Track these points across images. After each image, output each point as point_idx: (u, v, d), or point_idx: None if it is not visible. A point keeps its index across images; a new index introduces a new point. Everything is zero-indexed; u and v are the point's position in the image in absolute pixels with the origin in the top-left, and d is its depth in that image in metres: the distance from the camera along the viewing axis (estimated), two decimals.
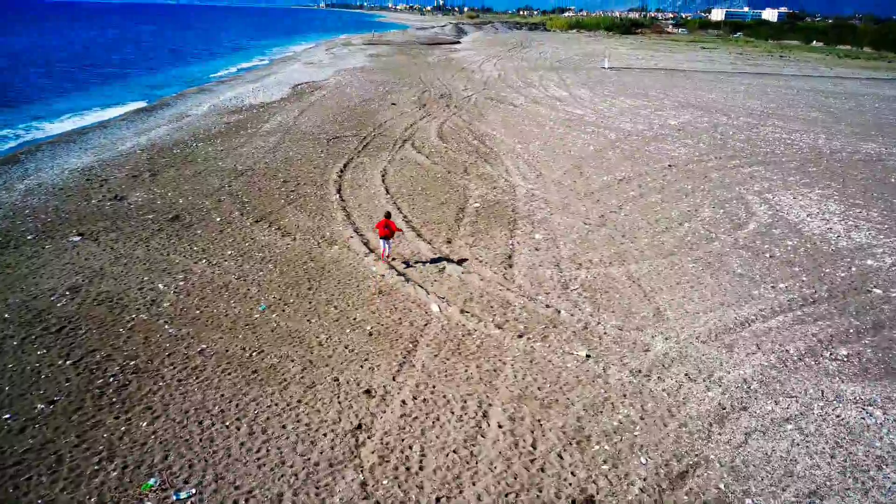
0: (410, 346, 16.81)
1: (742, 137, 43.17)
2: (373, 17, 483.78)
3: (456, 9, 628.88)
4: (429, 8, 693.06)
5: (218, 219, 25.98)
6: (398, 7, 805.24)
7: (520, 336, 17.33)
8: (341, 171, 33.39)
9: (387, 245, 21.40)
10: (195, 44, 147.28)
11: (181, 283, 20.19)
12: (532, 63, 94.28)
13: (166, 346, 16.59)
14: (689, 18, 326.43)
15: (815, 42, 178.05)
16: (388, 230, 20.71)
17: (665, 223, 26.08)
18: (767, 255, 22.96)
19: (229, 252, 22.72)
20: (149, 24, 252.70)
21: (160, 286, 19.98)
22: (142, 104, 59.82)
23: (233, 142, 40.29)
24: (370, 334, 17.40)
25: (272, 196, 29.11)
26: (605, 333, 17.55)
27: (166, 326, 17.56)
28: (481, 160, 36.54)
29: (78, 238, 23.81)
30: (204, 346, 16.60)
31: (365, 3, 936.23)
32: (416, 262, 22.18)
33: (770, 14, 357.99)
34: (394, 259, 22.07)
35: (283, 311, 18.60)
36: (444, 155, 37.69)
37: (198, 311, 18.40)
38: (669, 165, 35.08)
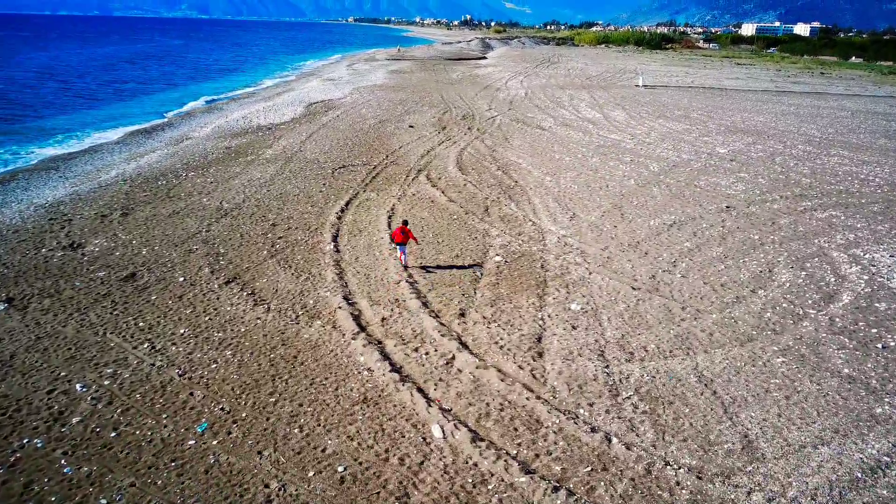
0: None
1: (806, 171, 37.10)
2: (399, 31, 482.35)
3: (483, 23, 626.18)
4: (456, 23, 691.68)
5: (181, 278, 20.86)
6: (425, 22, 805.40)
7: (556, 489, 11.59)
8: (342, 211, 28.36)
9: (403, 251, 21.67)
10: (222, 59, 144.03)
11: (106, 384, 15.02)
12: (561, 80, 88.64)
13: (49, 500, 11.20)
14: (718, 33, 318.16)
15: (853, 58, 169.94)
16: (404, 236, 21.15)
17: (734, 290, 20.33)
18: (879, 346, 17.14)
19: (182, 331, 17.50)
20: (185, 39, 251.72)
21: (77, 387, 14.85)
22: (146, 124, 55.39)
23: (227, 171, 35.44)
24: (342, 481, 11.97)
25: (254, 245, 24.01)
26: (677, 484, 11.78)
27: (62, 462, 12.44)
28: (505, 196, 31.06)
29: (2, 306, 18.60)
30: (104, 501, 11.13)
31: (392, 19, 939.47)
32: (418, 348, 16.66)
33: (802, 29, 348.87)
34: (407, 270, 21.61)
35: (229, 434, 13.26)
36: (463, 189, 32.29)
37: (114, 434, 13.26)
38: (727, 207, 29.27)
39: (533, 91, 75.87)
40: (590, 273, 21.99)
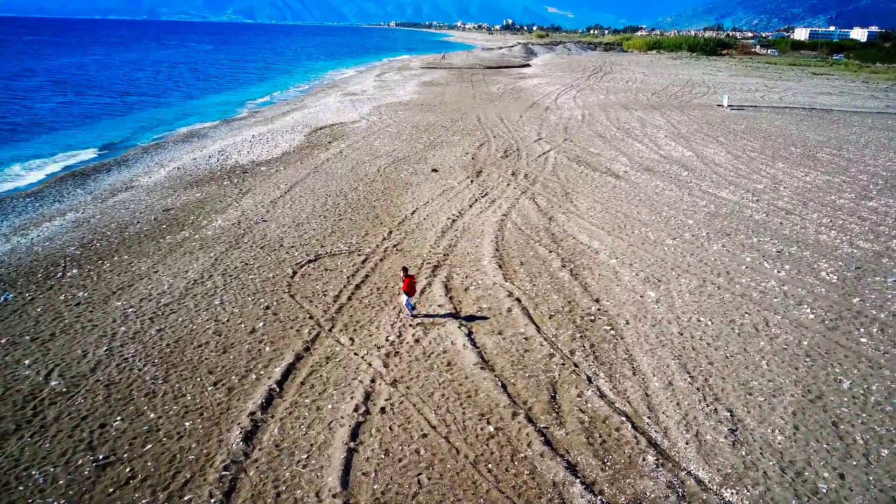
0: None
1: None
2: (440, 36, 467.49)
3: (524, 28, 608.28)
4: (497, 27, 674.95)
5: None
6: (466, 26, 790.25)
7: None
8: (263, 408, 13.61)
9: (408, 301, 18.39)
10: (245, 66, 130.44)
11: None
12: (621, 96, 72.01)
13: None
14: (769, 38, 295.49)
15: None
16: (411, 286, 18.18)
17: None
18: None
19: None
20: (217, 44, 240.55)
21: None
22: (90, 164, 42.59)
23: (126, 271, 23.16)
24: None
25: None
26: None
27: None
28: (583, 349, 17.63)
29: None
30: None
31: (433, 23, 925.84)
32: None
33: (860, 34, 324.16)
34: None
35: None
36: (504, 321, 19.06)
37: None
38: None
39: (591, 112, 59.54)
40: None
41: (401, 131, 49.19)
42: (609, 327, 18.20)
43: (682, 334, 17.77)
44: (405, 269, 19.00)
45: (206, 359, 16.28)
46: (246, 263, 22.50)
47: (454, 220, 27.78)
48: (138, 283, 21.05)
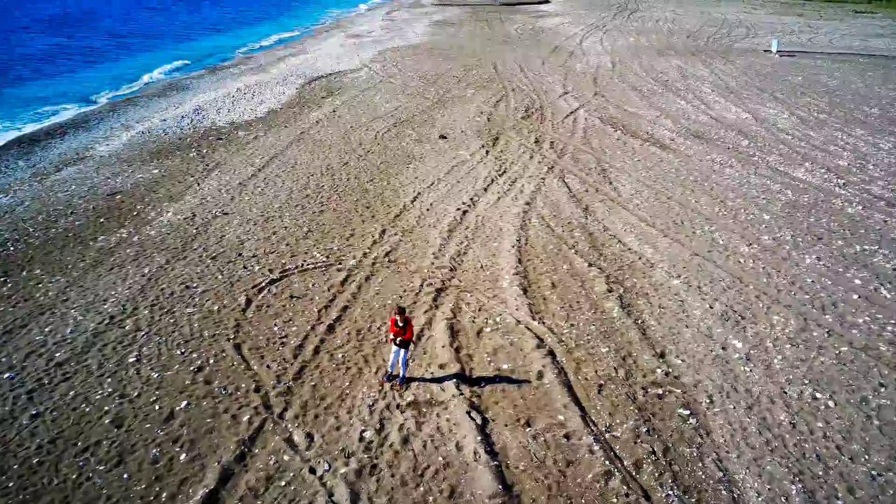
0: None
1: None
2: None
3: None
4: None
5: None
6: None
7: None
8: None
9: (399, 357, 12.49)
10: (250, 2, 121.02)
11: None
12: (653, 38, 63.82)
13: None
14: None
15: None
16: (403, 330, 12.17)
17: None
18: None
19: None
20: None
21: None
22: (40, 124, 37.03)
23: (29, 297, 17.71)
24: None
25: None
26: None
27: None
28: (647, 441, 12.33)
29: None
30: None
31: None
32: None
33: None
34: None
35: None
36: (533, 398, 13.54)
37: None
38: None
39: (621, 58, 51.93)
40: None
41: (406, 83, 42.09)
42: (687, 411, 12.01)
43: (794, 426, 11.61)
44: (401, 310, 12.60)
45: (85, 480, 10.28)
46: (187, 286, 16.29)
47: (465, 212, 21.42)
48: (35, 321, 15.15)
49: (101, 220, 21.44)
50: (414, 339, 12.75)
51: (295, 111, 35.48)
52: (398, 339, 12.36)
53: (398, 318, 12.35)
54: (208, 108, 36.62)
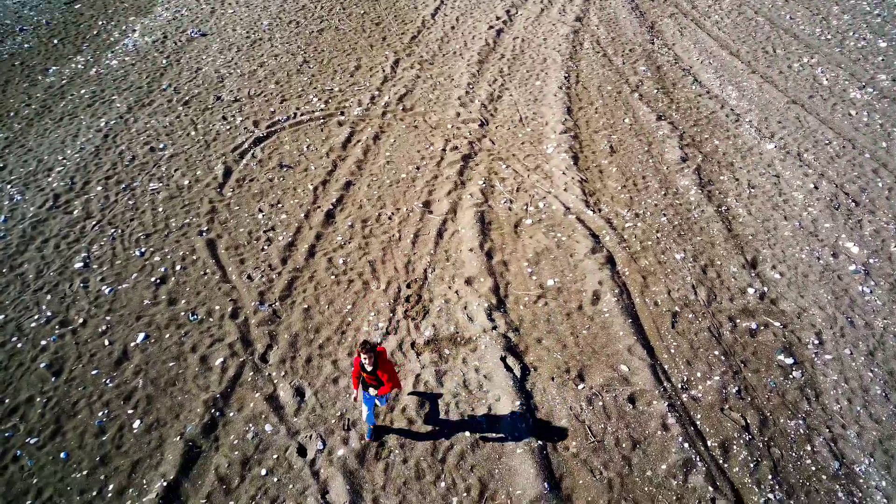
0: None
1: None
2: None
3: None
4: None
5: None
6: None
7: None
8: None
9: (373, 406, 8.08)
10: None
11: None
12: None
13: None
14: None
15: None
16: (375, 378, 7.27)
17: None
18: None
19: None
20: None
21: None
22: None
23: None
24: None
25: None
26: None
27: None
28: (740, 403, 9.02)
29: None
30: None
31: None
32: None
33: None
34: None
35: None
36: (591, 336, 10.10)
37: None
38: None
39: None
40: None
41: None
42: (790, 359, 9.13)
43: None
44: (369, 347, 7.20)
45: (10, 461, 8.15)
46: (152, 148, 12.66)
47: (499, 32, 16.70)
48: None
49: (55, 41, 17.11)
50: (397, 387, 7.90)
51: None
52: (370, 387, 7.62)
53: (365, 357, 7.20)
54: None
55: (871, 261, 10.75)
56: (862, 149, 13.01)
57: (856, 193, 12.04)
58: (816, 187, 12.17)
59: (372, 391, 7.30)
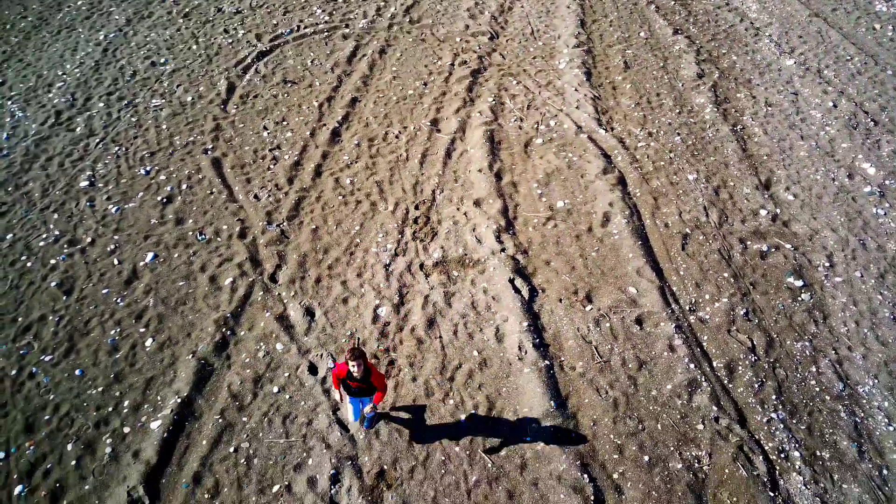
0: None
1: None
2: None
3: None
4: None
5: None
6: None
7: None
8: None
9: (363, 412, 7.43)
10: None
11: None
12: None
13: None
14: None
15: None
16: (366, 385, 6.52)
17: None
18: None
19: None
20: None
21: None
22: None
23: None
24: None
25: None
26: None
27: None
28: (744, 325, 9.10)
29: None
30: None
31: None
32: None
33: None
34: None
35: None
36: (600, 257, 10.21)
37: None
38: None
39: None
40: None
41: None
42: (799, 281, 9.13)
43: None
44: (357, 353, 6.34)
45: (27, 378, 8.46)
46: (153, 63, 12.35)
47: None
48: None
49: None
50: (385, 397, 7.83)
51: None
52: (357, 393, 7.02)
53: (353, 364, 6.43)
54: None
55: (887, 182, 10.51)
56: (885, 65, 12.50)
57: (875, 112, 11.64)
58: (835, 105, 11.77)
59: (367, 408, 7.04)
